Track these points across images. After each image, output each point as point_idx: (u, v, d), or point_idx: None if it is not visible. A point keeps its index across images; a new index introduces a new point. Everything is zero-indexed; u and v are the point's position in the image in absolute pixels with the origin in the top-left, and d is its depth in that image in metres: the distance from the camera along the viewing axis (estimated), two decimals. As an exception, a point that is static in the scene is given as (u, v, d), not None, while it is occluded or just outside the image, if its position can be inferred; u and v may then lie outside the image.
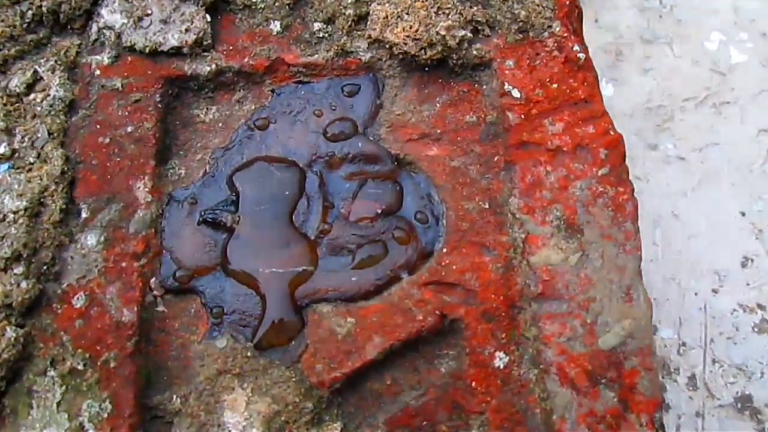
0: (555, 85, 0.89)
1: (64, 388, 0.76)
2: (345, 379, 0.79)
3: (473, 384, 0.79)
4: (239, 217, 0.86)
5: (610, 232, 0.82)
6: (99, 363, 0.76)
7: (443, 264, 0.84)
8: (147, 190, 0.86)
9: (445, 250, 0.84)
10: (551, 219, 0.83)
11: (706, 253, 1.40)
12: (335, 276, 0.83)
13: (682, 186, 1.46)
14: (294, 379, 0.79)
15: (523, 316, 0.80)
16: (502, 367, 0.79)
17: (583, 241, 0.81)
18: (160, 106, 0.91)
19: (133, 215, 0.84)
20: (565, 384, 0.75)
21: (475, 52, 0.92)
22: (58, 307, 0.79)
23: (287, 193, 0.87)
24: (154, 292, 0.82)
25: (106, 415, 0.74)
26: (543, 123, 0.88)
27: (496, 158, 0.89)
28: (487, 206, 0.86)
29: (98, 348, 0.77)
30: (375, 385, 0.81)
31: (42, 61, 0.92)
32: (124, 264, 0.82)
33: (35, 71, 0.92)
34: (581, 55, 0.91)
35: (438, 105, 0.93)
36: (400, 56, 0.92)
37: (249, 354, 0.80)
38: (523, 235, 0.82)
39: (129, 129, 0.89)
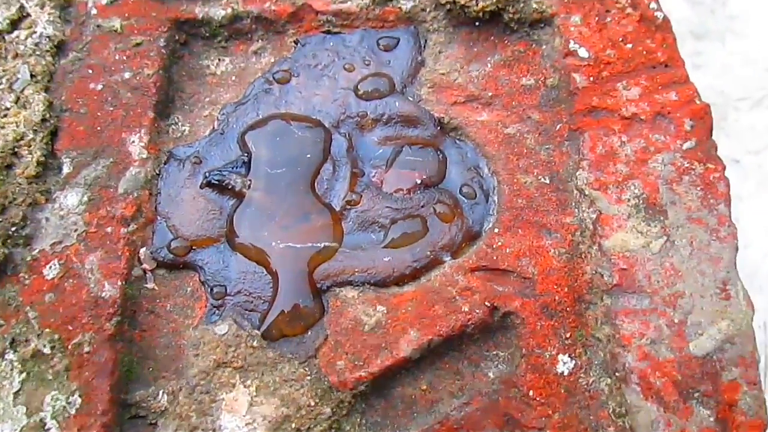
0: (629, 46, 0.76)
1: (24, 375, 0.62)
2: (371, 381, 0.64)
3: (530, 393, 0.64)
4: (250, 180, 0.72)
5: (700, 215, 0.67)
6: (70, 346, 0.63)
7: (494, 247, 0.69)
8: (142, 145, 0.73)
9: (496, 231, 0.70)
10: (628, 197, 0.68)
11: (764, 264, 1.25)
12: (363, 255, 0.69)
13: (737, 191, 1.33)
14: (309, 378, 0.64)
15: (593, 313, 0.66)
16: (566, 373, 0.65)
17: (668, 224, 0.67)
18: (164, 52, 0.78)
19: (123, 173, 0.71)
20: (648, 397, 0.60)
21: (534, 6, 0.79)
22: (26, 276, 0.66)
23: (309, 156, 0.73)
24: (144, 265, 0.68)
25: (73, 411, 0.60)
26: (616, 87, 0.74)
27: (558, 126, 0.75)
28: (547, 181, 0.72)
29: (70, 328, 0.64)
30: (408, 390, 0.66)
31: (30, -7, 0.80)
32: (108, 229, 0.68)
33: (21, 6, 0.80)
34: (659, 14, 0.78)
35: (489, 65, 0.80)
36: (447, 6, 0.80)
37: (255, 344, 0.65)
38: (593, 215, 0.68)
39: (126, 75, 0.76)
